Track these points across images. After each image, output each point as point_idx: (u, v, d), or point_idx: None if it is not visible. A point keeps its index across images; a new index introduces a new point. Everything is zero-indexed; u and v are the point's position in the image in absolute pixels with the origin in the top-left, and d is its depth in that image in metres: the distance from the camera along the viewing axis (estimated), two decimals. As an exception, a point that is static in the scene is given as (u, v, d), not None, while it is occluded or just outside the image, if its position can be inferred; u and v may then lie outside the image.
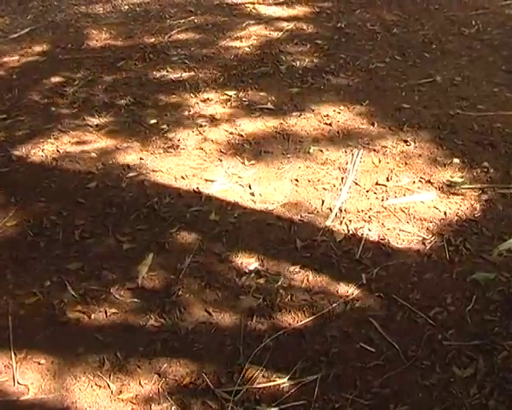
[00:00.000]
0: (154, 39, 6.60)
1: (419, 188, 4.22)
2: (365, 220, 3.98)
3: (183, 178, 4.46)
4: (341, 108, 5.14)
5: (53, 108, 5.46)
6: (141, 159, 4.69)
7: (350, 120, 4.99)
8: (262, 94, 5.43)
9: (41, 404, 3.08)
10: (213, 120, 5.10)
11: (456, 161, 4.43)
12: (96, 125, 5.15)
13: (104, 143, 4.93)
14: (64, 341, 3.37)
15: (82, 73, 6.01)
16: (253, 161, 4.57)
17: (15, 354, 3.31)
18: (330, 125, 4.93)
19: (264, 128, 4.95)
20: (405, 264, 3.66)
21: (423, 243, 3.79)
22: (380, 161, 4.49)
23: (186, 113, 5.24)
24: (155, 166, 4.61)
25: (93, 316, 3.49)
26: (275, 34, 6.51)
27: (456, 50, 5.95)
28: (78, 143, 4.95)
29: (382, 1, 7.05)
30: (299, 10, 7.02)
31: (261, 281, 3.62)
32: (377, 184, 4.28)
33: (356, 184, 4.29)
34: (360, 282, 3.56)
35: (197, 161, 4.63)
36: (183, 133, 4.96)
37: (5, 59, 6.44)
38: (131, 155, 4.74)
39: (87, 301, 3.57)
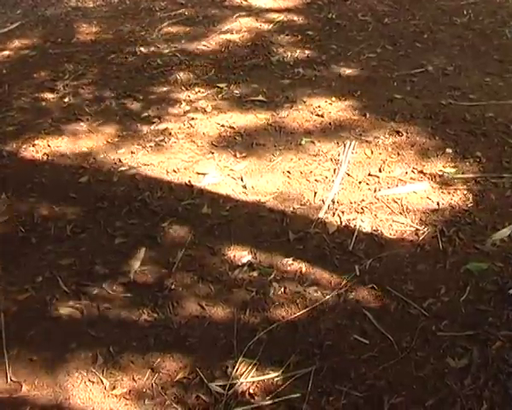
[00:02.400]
0: (144, 32, 6.57)
1: (411, 178, 4.22)
2: (358, 212, 3.98)
3: (174, 171, 4.44)
4: (333, 99, 5.13)
5: (43, 103, 5.44)
6: (132, 153, 4.68)
7: (342, 111, 4.97)
8: (253, 86, 5.42)
9: (34, 400, 3.07)
10: (204, 113, 5.09)
11: (448, 151, 4.42)
12: (87, 120, 5.13)
13: (95, 137, 4.91)
14: (56, 337, 3.36)
15: (72, 67, 5.97)
16: (244, 154, 4.56)
17: (8, 351, 3.29)
18: (322, 116, 4.92)
19: (255, 120, 4.94)
20: (398, 255, 3.65)
21: (416, 234, 3.78)
22: (372, 152, 4.48)
23: (177, 106, 5.22)
24: (147, 159, 4.59)
25: (85, 311, 3.48)
26: (265, 26, 6.49)
27: (447, 40, 5.94)
28: (68, 137, 4.93)
29: (373, -9, 7.05)
30: (290, 1, 6.98)
31: (254, 274, 3.61)
32: (370, 175, 4.28)
33: (348, 175, 4.29)
34: (353, 273, 3.55)
35: (189, 154, 4.61)
36: (174, 126, 4.94)
37: (-5, 54, 6.42)
38: (123, 149, 4.72)
39: (79, 297, 3.56)
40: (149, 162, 4.56)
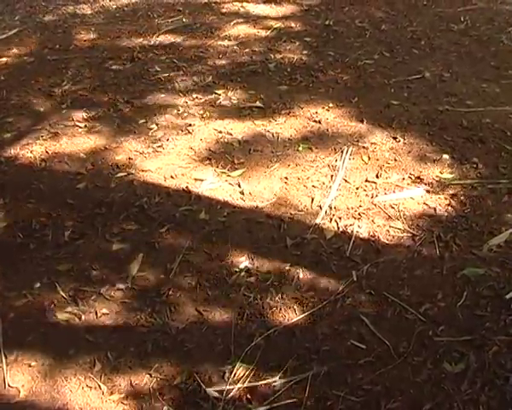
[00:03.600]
0: (142, 39, 6.59)
1: (408, 184, 4.22)
2: (355, 217, 3.98)
3: (172, 177, 4.45)
4: (330, 105, 5.14)
5: (41, 109, 5.44)
6: (130, 159, 4.68)
7: (339, 117, 4.99)
8: (251, 92, 5.43)
9: (32, 406, 3.07)
10: (202, 119, 5.09)
11: (445, 157, 4.43)
12: (85, 126, 5.14)
13: (93, 143, 4.91)
14: (54, 342, 3.36)
15: (70, 73, 5.99)
16: (242, 160, 4.57)
17: (6, 357, 3.29)
18: (319, 122, 4.93)
19: (253, 127, 4.95)
20: (395, 261, 3.66)
21: (413, 240, 3.79)
22: (369, 158, 4.49)
23: (175, 112, 5.23)
24: (144, 165, 4.60)
25: (83, 317, 3.48)
26: (263, 32, 6.51)
27: (444, 47, 5.97)
28: (66, 143, 4.93)
29: (370, -2, 7.07)
30: (288, 8, 7.02)
31: (251, 279, 3.61)
32: (367, 181, 4.28)
33: (345, 181, 4.29)
34: (350, 279, 3.56)
35: (186, 160, 4.62)
36: (172, 132, 4.95)
37: (-7, 60, 6.43)
38: (120, 155, 4.73)
39: (77, 302, 3.56)
40: (147, 168, 4.56)
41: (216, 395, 3.02)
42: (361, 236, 3.85)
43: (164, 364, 3.20)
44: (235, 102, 5.32)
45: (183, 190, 4.33)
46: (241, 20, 6.82)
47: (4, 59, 6.41)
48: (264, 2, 7.19)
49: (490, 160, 4.38)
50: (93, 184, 4.46)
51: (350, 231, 3.88)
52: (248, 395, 3.02)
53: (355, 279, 3.56)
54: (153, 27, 6.83)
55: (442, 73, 5.49)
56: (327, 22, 6.60)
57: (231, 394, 3.03)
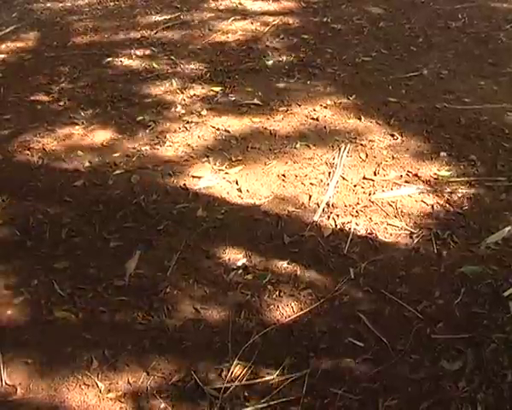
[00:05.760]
0: (139, 35, 6.57)
1: (406, 182, 4.22)
2: (353, 215, 3.98)
3: (169, 174, 4.44)
4: (328, 102, 5.13)
5: (39, 106, 5.43)
6: (127, 156, 4.67)
7: (337, 114, 4.98)
8: (248, 90, 5.42)
9: (29, 404, 3.06)
10: (200, 117, 5.09)
11: (443, 154, 4.43)
12: (82, 123, 5.13)
13: (90, 140, 4.91)
14: (52, 340, 3.35)
15: (68, 70, 5.98)
16: (239, 157, 4.56)
17: (2, 354, 3.28)
18: (317, 120, 4.92)
19: (250, 124, 4.94)
20: (393, 258, 3.66)
21: (411, 237, 3.79)
22: (367, 156, 4.49)
23: (172, 109, 5.23)
24: (142, 163, 4.59)
25: (80, 315, 3.47)
26: (261, 29, 6.50)
27: (442, 44, 5.96)
28: (64, 140, 4.93)
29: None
30: (285, 5, 7.00)
31: (249, 277, 3.61)
32: (364, 178, 4.28)
33: (343, 178, 4.29)
34: (348, 277, 3.55)
35: (184, 157, 4.62)
36: (169, 130, 4.95)
37: (-10, 57, 6.42)
38: (118, 153, 4.72)
39: (74, 300, 3.55)
40: (144, 166, 4.56)
41: (213, 392, 3.02)
42: (359, 233, 3.85)
43: (161, 362, 3.20)
44: (232, 99, 5.31)
45: (181, 187, 4.32)
46: (239, 16, 6.81)
47: (2, 56, 6.39)
48: (262, -1, 7.20)
49: (487, 157, 4.38)
50: (90, 181, 4.45)
51: (347, 229, 3.88)
52: (246, 393, 3.02)
53: (352, 277, 3.55)
54: (150, 24, 6.82)
55: (440, 71, 5.49)
56: (325, 19, 6.59)
57: (229, 392, 3.02)
